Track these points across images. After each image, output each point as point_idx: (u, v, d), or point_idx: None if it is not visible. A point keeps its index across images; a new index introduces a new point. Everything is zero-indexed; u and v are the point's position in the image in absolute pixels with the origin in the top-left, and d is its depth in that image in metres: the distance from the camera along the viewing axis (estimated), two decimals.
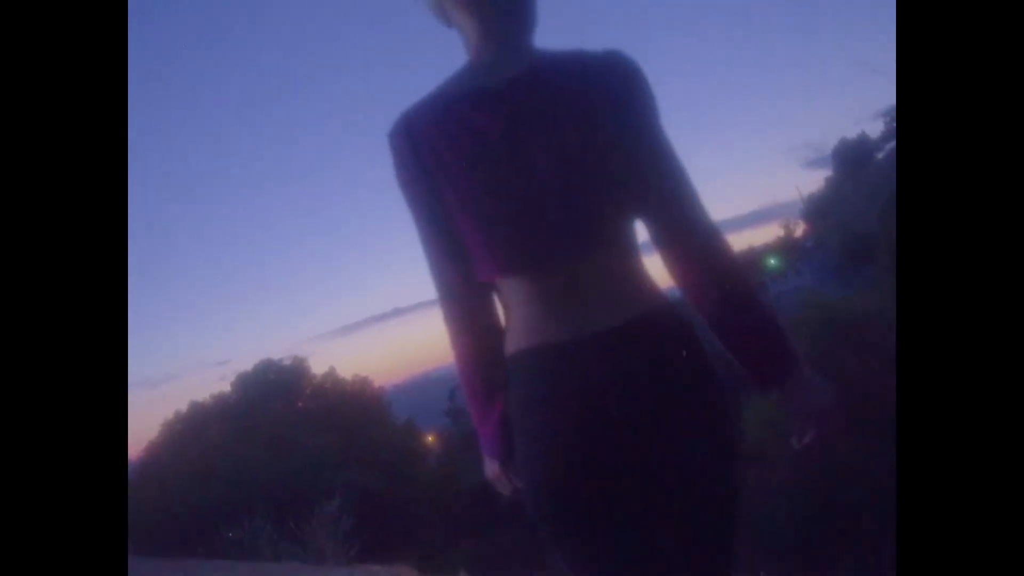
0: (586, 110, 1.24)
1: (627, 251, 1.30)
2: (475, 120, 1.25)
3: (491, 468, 1.43)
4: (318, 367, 29.62)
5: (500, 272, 1.28)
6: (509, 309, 1.32)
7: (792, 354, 1.27)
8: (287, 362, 27.92)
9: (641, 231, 1.33)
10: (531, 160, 1.23)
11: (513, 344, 1.31)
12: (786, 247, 47.04)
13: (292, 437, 20.76)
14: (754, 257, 50.68)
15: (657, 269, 1.35)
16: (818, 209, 37.00)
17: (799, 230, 50.22)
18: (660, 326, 1.26)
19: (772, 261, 45.16)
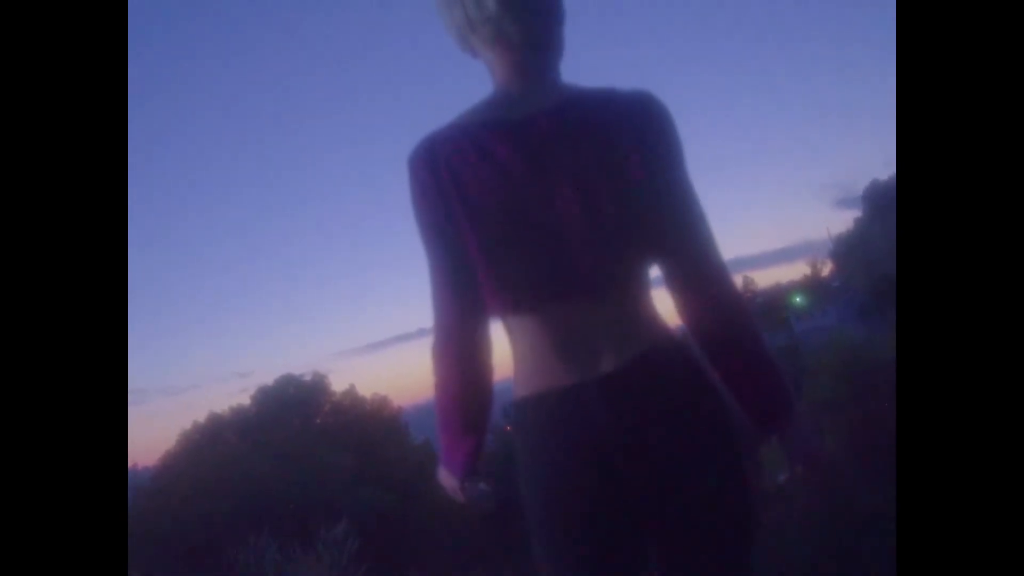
0: (610, 149, 1.24)
1: (640, 290, 1.31)
2: (497, 151, 1.25)
3: (447, 478, 1.43)
4: (340, 384, 29.66)
5: (511, 308, 1.29)
6: (517, 347, 1.31)
7: (791, 401, 1.30)
8: (308, 377, 28.00)
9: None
10: (551, 195, 1.24)
11: (521, 386, 1.30)
12: (812, 285, 46.65)
13: (307, 453, 20.73)
14: (780, 294, 50.39)
15: (666, 303, 1.36)
16: (846, 250, 36.66)
17: (826, 269, 49.78)
18: (668, 365, 1.28)
19: (798, 299, 44.76)
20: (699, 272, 1.27)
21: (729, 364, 1.29)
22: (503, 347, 1.36)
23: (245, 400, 27.47)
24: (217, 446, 23.06)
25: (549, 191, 1.23)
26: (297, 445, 21.53)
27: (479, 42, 1.31)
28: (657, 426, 1.23)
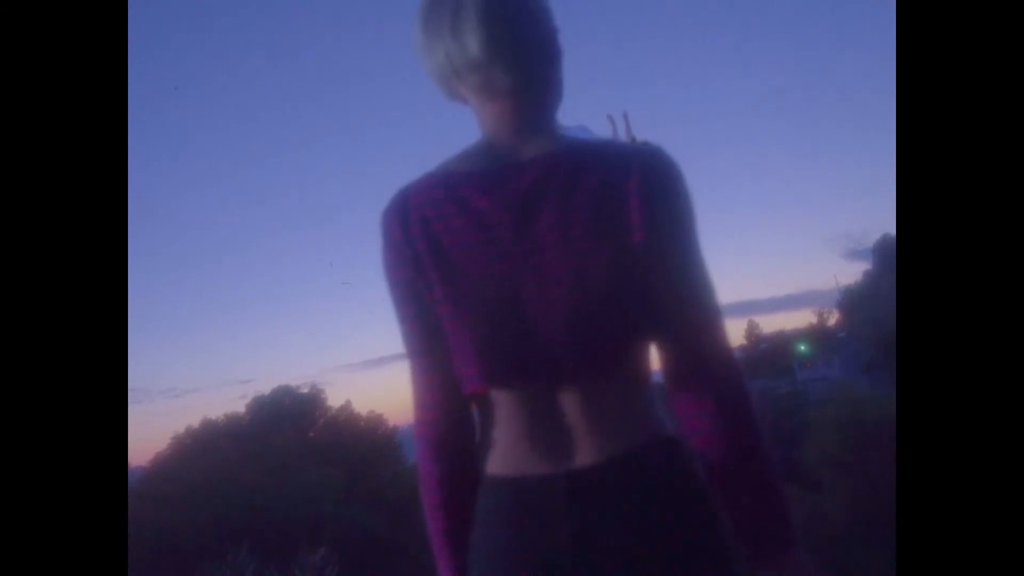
0: (606, 208, 1.07)
1: (632, 375, 1.12)
2: (476, 203, 1.09)
3: None
4: (337, 398, 29.58)
5: (483, 383, 1.11)
6: (489, 423, 1.14)
7: (792, 531, 1.09)
8: (305, 390, 27.93)
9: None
10: (537, 258, 1.07)
11: (486, 462, 1.13)
12: (818, 335, 46.58)
13: (298, 467, 20.60)
14: (785, 340, 50.36)
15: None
16: (853, 301, 36.59)
17: (832, 319, 49.83)
18: (654, 470, 1.08)
19: (802, 347, 44.64)
20: (702, 367, 1.08)
21: (728, 483, 1.08)
22: None
23: (242, 407, 27.39)
24: (208, 453, 22.94)
25: (532, 253, 1.07)
26: (288, 458, 21.40)
27: (466, 90, 1.15)
28: (626, 540, 1.04)
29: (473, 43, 1.08)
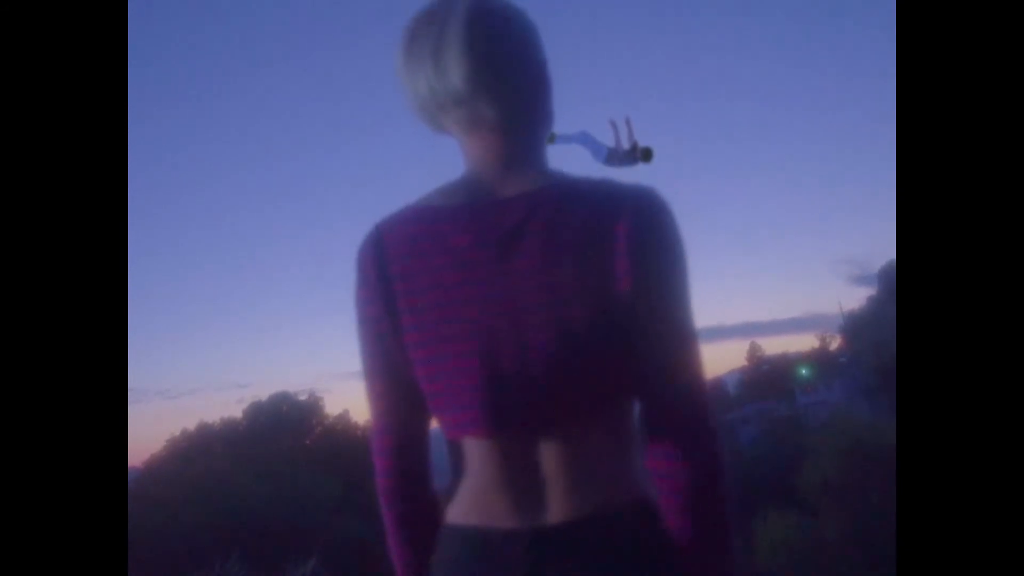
0: (594, 254, 1.00)
1: (614, 431, 1.06)
2: (458, 242, 1.03)
3: None
4: (335, 406, 29.55)
5: (456, 431, 1.06)
6: (460, 470, 1.09)
7: None
8: (303, 397, 27.91)
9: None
10: (517, 302, 1.01)
11: (451, 508, 1.08)
12: (820, 359, 46.48)
13: (293, 475, 20.57)
14: (786, 363, 50.26)
15: None
16: (857, 327, 36.54)
17: (835, 344, 49.80)
18: (624, 533, 1.02)
19: (804, 371, 44.55)
20: (677, 428, 1.01)
21: (682, 548, 1.01)
22: None
23: (239, 412, 27.36)
24: (203, 457, 22.89)
25: (512, 296, 1.01)
26: (283, 465, 21.37)
27: (450, 123, 1.10)
28: None
29: (456, 76, 1.03)
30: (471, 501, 1.06)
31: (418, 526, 1.11)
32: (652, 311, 1.01)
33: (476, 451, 1.06)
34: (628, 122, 1.61)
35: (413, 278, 1.04)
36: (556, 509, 1.01)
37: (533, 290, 1.00)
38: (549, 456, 1.03)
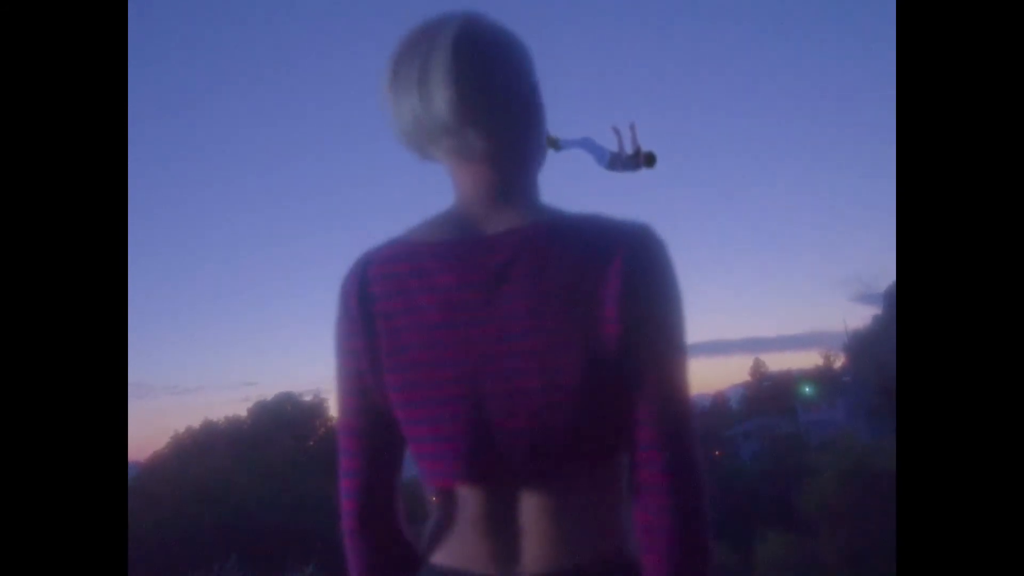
0: (584, 298, 0.96)
1: (600, 484, 1.01)
2: (443, 280, 0.99)
3: None
4: None
5: (436, 479, 1.04)
6: (442, 512, 1.08)
7: None
8: (308, 398, 27.94)
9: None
10: (502, 346, 0.97)
11: (430, 552, 1.07)
12: (823, 377, 46.27)
13: (295, 476, 20.55)
14: (789, 380, 50.05)
15: None
16: (861, 346, 36.33)
17: (838, 362, 49.55)
18: None
19: (807, 389, 44.35)
20: (665, 488, 0.95)
21: None
22: None
23: (243, 411, 27.41)
24: (205, 455, 22.91)
25: (498, 340, 0.97)
26: (285, 466, 21.35)
27: (438, 152, 1.05)
28: None
29: (442, 104, 0.99)
30: (451, 544, 1.04)
31: (384, 573, 1.08)
32: (643, 361, 0.96)
33: (458, 497, 1.02)
34: (632, 127, 1.60)
35: (396, 317, 1.00)
36: (535, 561, 0.99)
37: (519, 335, 0.96)
38: (533, 507, 1.00)
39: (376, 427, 1.04)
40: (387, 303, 1.01)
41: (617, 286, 0.95)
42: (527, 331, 0.96)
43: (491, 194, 1.04)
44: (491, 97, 1.01)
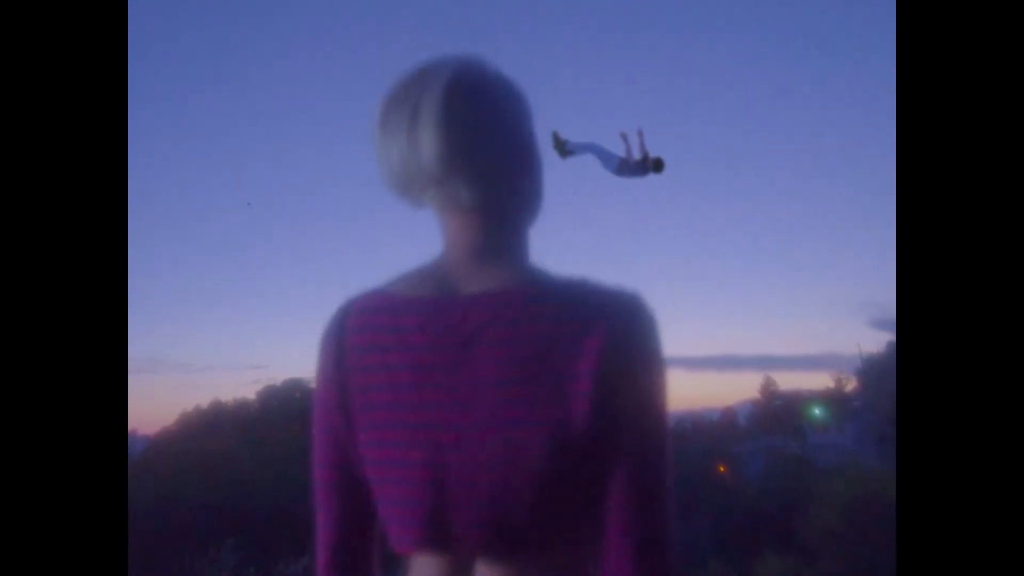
0: (557, 369, 0.90)
1: (564, 561, 0.96)
2: (416, 340, 0.95)
3: None
4: None
5: (394, 543, 1.00)
6: (405, 570, 1.04)
7: None
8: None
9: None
10: (469, 415, 0.93)
11: None
12: (834, 400, 46.01)
13: (300, 463, 20.59)
14: (799, 401, 49.80)
15: None
16: (875, 372, 36.10)
17: (850, 386, 49.22)
18: None
19: (817, 411, 44.15)
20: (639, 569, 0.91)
21: None
22: None
23: (252, 394, 27.56)
24: (212, 435, 23.04)
25: (465, 408, 0.93)
26: (291, 452, 21.41)
27: (426, 201, 1.02)
28: None
29: (429, 153, 0.95)
30: None
31: None
32: (617, 447, 0.90)
33: (421, 564, 0.99)
34: (640, 134, 1.58)
35: (370, 372, 0.97)
36: None
37: (487, 404, 0.92)
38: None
39: (350, 482, 1.01)
40: (362, 357, 0.98)
41: (593, 362, 0.90)
42: (494, 402, 0.92)
43: (476, 249, 1.00)
44: (482, 147, 0.98)
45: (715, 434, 47.34)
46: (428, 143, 0.95)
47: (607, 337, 0.90)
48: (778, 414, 52.35)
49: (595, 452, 0.90)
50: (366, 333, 0.99)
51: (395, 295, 1.00)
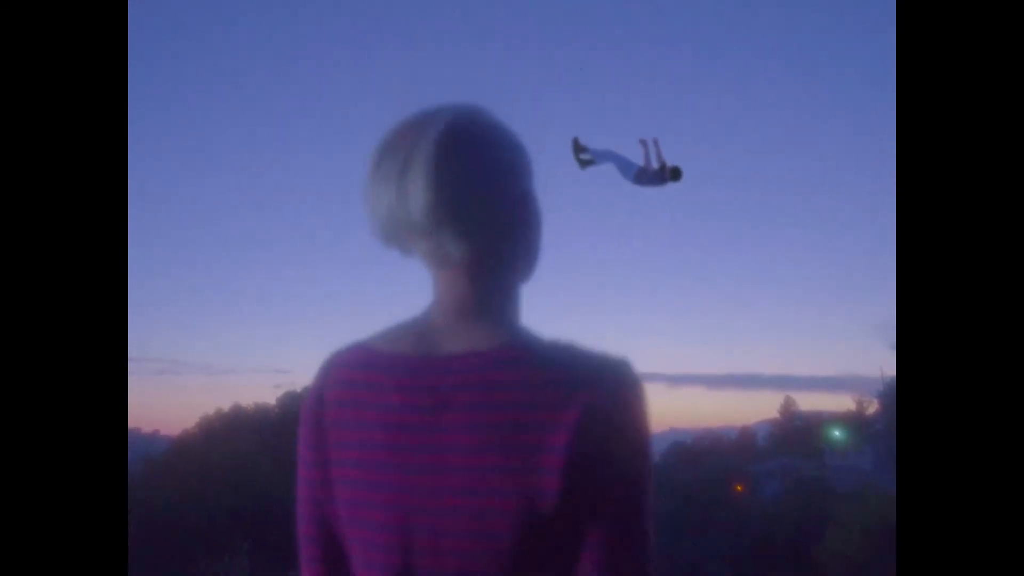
0: (530, 433, 0.86)
1: None
2: (392, 399, 0.93)
3: None
4: None
5: None
6: None
7: None
8: None
9: None
10: (437, 478, 0.89)
11: None
12: (854, 423, 45.47)
13: None
14: (819, 422, 49.17)
15: None
16: (896, 395, 35.59)
17: (871, 409, 48.57)
18: None
19: (836, 433, 43.61)
20: None
21: None
22: None
23: (273, 399, 27.70)
24: (232, 439, 23.18)
25: (434, 472, 0.90)
26: None
27: (416, 253, 0.98)
28: None
29: (418, 205, 0.92)
30: None
31: None
32: (592, 525, 0.87)
33: None
34: (656, 142, 1.57)
35: (347, 429, 0.95)
36: None
37: (457, 470, 0.88)
38: None
39: (332, 537, 0.98)
40: (340, 412, 0.96)
41: (568, 436, 0.85)
42: (462, 468, 0.88)
43: (462, 306, 0.96)
44: (473, 201, 0.94)
45: (732, 453, 46.85)
46: (417, 193, 0.92)
47: (585, 411, 0.85)
48: (797, 435, 51.77)
49: (566, 527, 0.86)
50: (345, 389, 0.96)
51: (377, 350, 0.97)
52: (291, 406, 26.84)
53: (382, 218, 0.95)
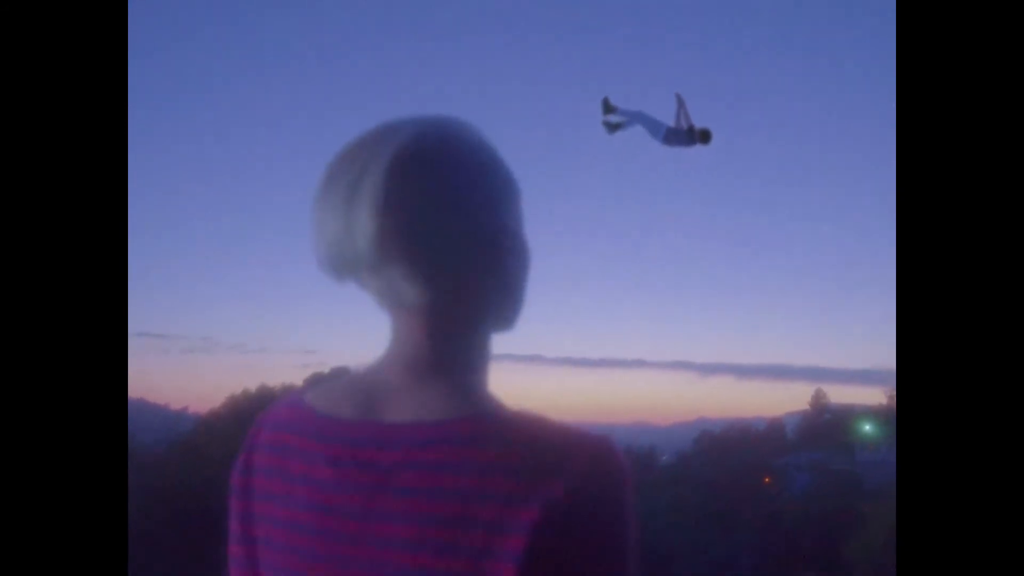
0: (482, 532, 0.71)
1: None
2: (320, 473, 0.79)
3: None
4: None
5: None
6: None
7: None
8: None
9: None
10: (371, 571, 0.75)
11: None
12: (885, 417, 44.92)
13: None
14: (850, 416, 48.74)
15: None
16: None
17: None
18: None
19: (867, 427, 43.13)
20: None
21: None
22: None
23: (300, 379, 27.99)
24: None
25: (364, 562, 0.76)
26: None
27: (366, 289, 0.84)
28: None
29: (364, 235, 0.78)
30: None
31: None
32: None
33: None
34: (682, 102, 1.43)
35: (271, 502, 0.83)
36: None
37: (391, 566, 0.74)
38: None
39: None
40: (269, 483, 0.83)
41: (524, 539, 0.69)
42: (397, 569, 0.73)
43: (416, 363, 0.81)
44: (432, 233, 0.79)
45: (761, 444, 46.67)
46: (364, 221, 0.77)
47: (546, 509, 0.69)
48: (827, 428, 51.38)
49: None
50: (275, 455, 0.83)
51: (313, 410, 0.83)
52: None
53: (329, 249, 0.81)
